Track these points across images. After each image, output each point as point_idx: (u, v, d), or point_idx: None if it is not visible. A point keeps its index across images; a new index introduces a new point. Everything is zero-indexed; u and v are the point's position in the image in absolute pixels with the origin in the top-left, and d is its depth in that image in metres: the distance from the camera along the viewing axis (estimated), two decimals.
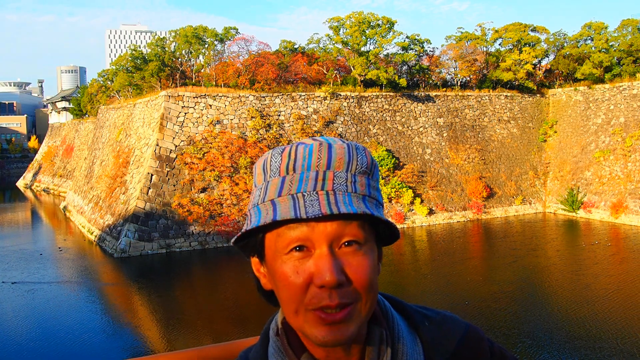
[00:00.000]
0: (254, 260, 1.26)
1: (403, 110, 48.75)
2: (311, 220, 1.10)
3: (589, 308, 24.33)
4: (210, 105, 42.08)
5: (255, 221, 1.15)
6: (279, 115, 44.08)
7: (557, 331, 21.77)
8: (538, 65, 58.39)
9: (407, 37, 52.95)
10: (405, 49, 51.84)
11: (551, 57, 58.50)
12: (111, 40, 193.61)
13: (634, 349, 19.76)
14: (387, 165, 44.31)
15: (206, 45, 48.51)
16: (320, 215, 1.07)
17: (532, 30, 56.53)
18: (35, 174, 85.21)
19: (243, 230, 1.16)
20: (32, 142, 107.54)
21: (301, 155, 1.17)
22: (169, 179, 38.65)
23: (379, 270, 1.23)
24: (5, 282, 30.54)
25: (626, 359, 19.04)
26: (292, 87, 45.87)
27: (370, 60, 48.26)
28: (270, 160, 1.20)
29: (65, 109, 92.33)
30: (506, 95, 53.65)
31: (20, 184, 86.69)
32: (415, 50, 53.58)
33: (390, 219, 1.27)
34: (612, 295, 26.22)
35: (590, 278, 29.56)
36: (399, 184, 44.07)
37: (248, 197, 39.25)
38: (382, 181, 43.88)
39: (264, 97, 43.87)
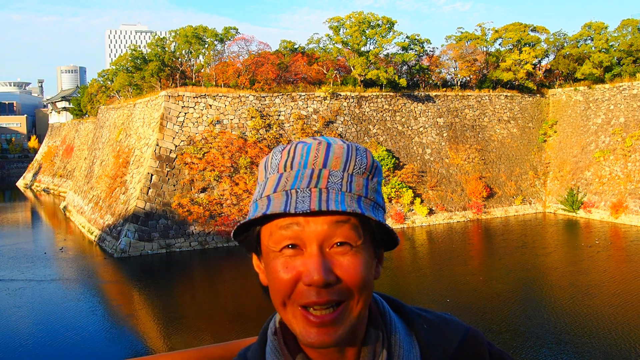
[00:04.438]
0: (254, 256, 1.28)
1: (403, 110, 48.75)
2: (300, 216, 1.11)
3: (573, 305, 24.73)
4: (210, 105, 42.09)
5: (251, 215, 1.17)
6: (279, 115, 44.08)
7: (540, 327, 22.03)
8: (538, 65, 58.40)
9: (407, 37, 52.97)
10: (405, 49, 51.84)
11: (551, 57, 58.52)
12: (111, 40, 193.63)
13: (610, 346, 19.99)
14: (387, 165, 44.33)
15: (206, 45, 48.51)
16: (309, 210, 1.08)
17: (532, 30, 56.54)
18: (35, 174, 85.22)
19: (239, 223, 1.19)
20: (32, 142, 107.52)
21: (299, 153, 1.19)
22: (169, 179, 38.65)
23: (379, 273, 1.23)
24: (5, 280, 30.57)
25: (602, 355, 19.29)
26: (292, 87, 45.87)
27: (370, 60, 48.26)
28: (272, 158, 1.23)
29: (65, 109, 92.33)
30: (506, 95, 53.66)
31: (20, 184, 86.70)
32: (415, 50, 53.59)
33: (388, 221, 1.27)
34: (595, 292, 26.69)
35: (576, 275, 29.85)
36: (399, 184, 44.08)
37: (248, 197, 39.28)
38: (382, 181, 43.86)
39: (264, 97, 43.87)
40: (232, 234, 1.22)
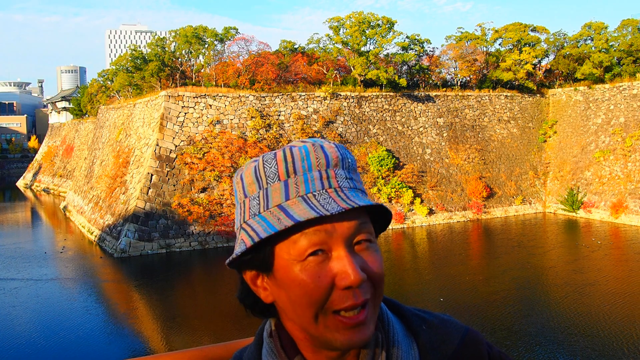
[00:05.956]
0: (250, 275, 1.20)
1: (403, 110, 48.75)
2: (329, 220, 1.09)
3: (568, 303, 24.86)
4: (210, 105, 42.09)
5: (264, 229, 1.10)
6: (279, 115, 44.08)
7: (534, 325, 22.13)
8: (538, 65, 58.39)
9: (407, 37, 52.97)
10: (405, 49, 51.84)
11: (551, 57, 58.51)
12: (111, 40, 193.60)
13: (604, 344, 20.08)
14: (387, 165, 44.30)
15: (206, 45, 48.51)
16: (342, 210, 1.07)
17: (532, 30, 56.53)
18: (35, 174, 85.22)
19: (256, 241, 1.10)
20: (32, 142, 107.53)
21: (298, 156, 1.15)
22: (169, 179, 38.65)
23: None
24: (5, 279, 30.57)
25: (595, 353, 19.37)
26: (292, 87, 45.87)
27: (370, 60, 48.25)
28: (264, 167, 1.16)
29: (65, 109, 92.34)
30: (506, 95, 53.66)
31: (20, 184, 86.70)
32: (415, 50, 53.59)
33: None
34: (590, 290, 26.85)
35: (572, 274, 29.97)
36: (399, 184, 44.06)
37: None
38: (382, 181, 43.96)
39: (264, 97, 43.87)
40: (229, 260, 1.14)
